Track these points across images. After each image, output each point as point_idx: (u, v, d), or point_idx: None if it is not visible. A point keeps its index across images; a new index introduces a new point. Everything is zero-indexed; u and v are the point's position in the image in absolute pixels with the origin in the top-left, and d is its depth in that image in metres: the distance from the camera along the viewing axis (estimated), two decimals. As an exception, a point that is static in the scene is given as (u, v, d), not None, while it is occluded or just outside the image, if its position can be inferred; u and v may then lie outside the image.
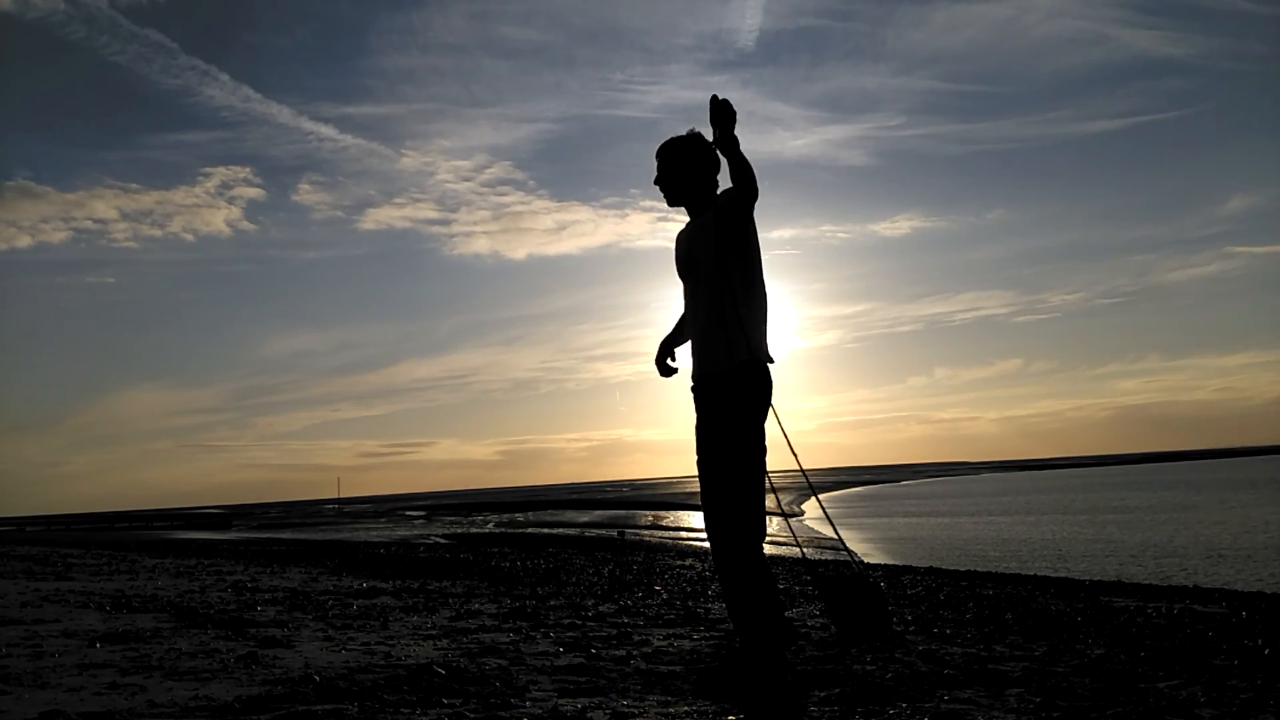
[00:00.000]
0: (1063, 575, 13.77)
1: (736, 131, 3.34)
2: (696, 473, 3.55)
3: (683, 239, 3.65)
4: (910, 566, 14.84)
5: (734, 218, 3.42)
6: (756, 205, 3.44)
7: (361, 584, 9.18)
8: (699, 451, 3.54)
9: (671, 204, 3.68)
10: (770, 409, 3.48)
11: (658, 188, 3.66)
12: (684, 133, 3.63)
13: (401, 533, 35.07)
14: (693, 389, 3.61)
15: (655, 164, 3.64)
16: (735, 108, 3.36)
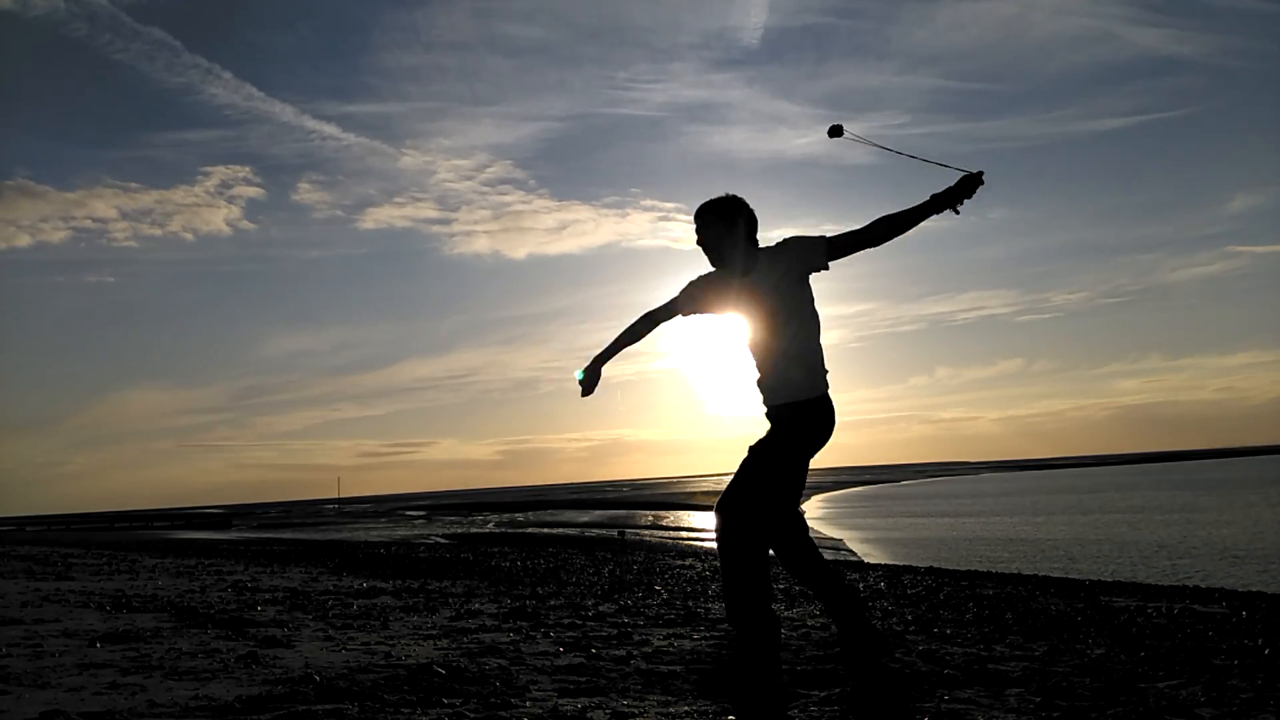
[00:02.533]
0: (1066, 576, 13.71)
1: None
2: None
3: (728, 287, 3.59)
4: (911, 566, 14.84)
5: (835, 252, 3.45)
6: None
7: (361, 584, 9.18)
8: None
9: (718, 266, 3.62)
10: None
11: (702, 249, 3.60)
12: (723, 195, 3.58)
13: (401, 533, 35.09)
14: (772, 416, 3.57)
15: (702, 225, 3.57)
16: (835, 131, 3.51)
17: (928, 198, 3.39)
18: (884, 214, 3.41)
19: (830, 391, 3.57)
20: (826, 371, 3.58)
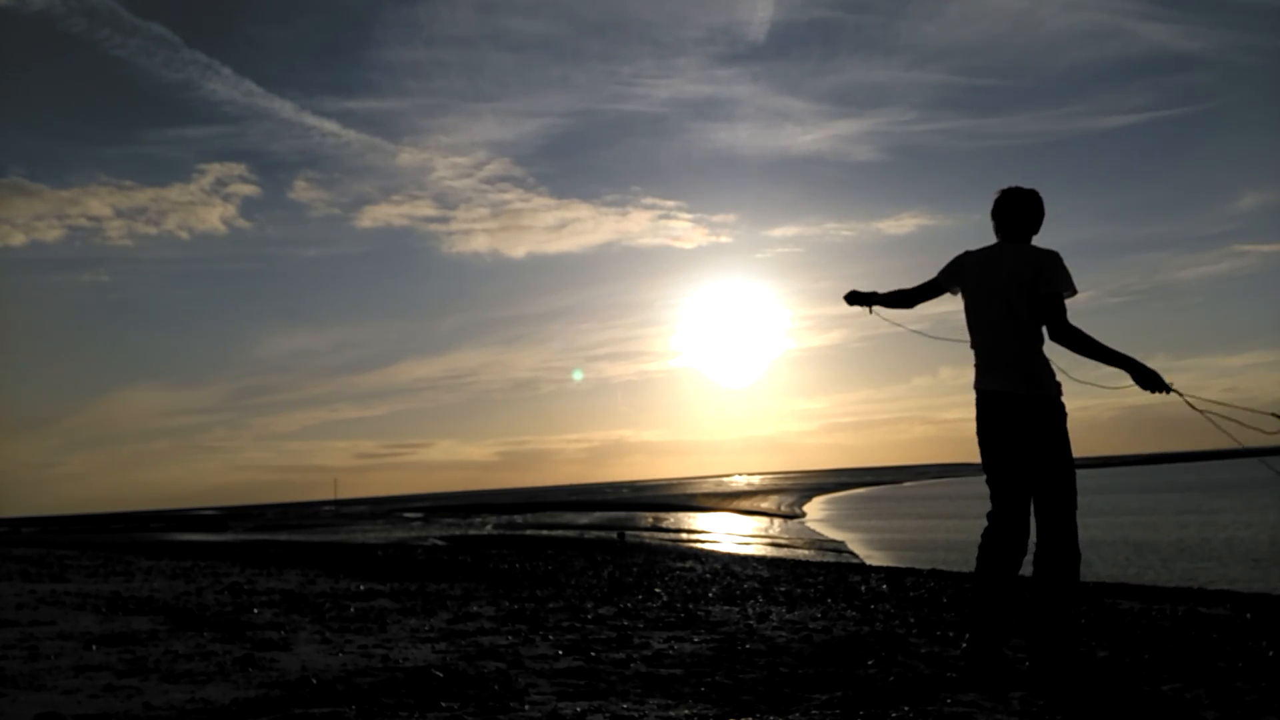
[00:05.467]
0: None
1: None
2: (994, 473, 4.01)
3: (989, 261, 4.07)
4: (914, 569, 14.80)
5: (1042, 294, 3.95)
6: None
7: (359, 586, 9.15)
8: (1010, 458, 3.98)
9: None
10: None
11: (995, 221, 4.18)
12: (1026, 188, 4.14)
13: (399, 534, 35.05)
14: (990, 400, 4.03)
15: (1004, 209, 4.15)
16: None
17: (1122, 356, 3.89)
18: (1086, 336, 3.91)
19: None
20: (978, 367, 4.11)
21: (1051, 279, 3.92)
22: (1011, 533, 3.95)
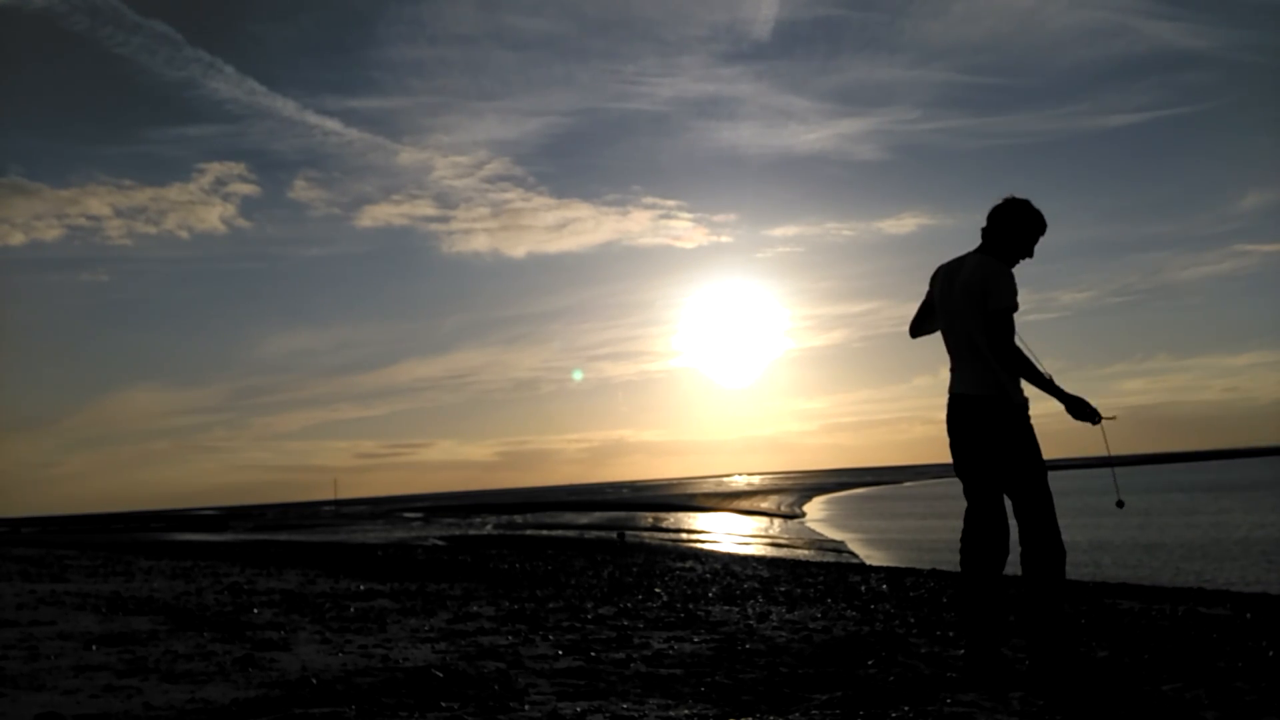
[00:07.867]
0: (1075, 579, 13.49)
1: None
2: (964, 474, 4.09)
3: (954, 271, 4.15)
4: (914, 569, 14.80)
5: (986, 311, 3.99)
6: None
7: (359, 586, 9.15)
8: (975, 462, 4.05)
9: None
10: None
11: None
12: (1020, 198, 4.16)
13: (399, 534, 35.03)
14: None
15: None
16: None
17: (1056, 388, 3.96)
18: (1024, 357, 3.93)
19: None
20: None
21: (995, 295, 3.96)
22: (987, 532, 4.00)
